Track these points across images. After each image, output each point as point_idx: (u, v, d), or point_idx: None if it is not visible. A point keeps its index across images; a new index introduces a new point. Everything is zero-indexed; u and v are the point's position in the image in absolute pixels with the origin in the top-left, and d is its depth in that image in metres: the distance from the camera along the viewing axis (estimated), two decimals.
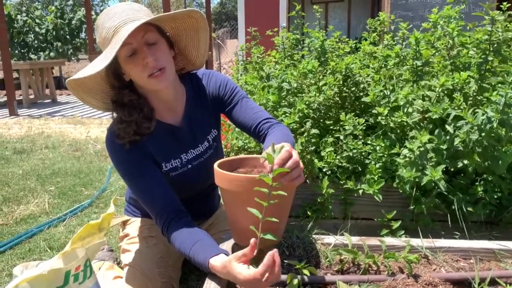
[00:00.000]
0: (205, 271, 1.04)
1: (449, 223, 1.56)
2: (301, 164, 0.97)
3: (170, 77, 1.21)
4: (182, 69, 1.38)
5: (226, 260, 0.96)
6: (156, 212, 1.20)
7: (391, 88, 1.74)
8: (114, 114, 1.25)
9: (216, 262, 0.99)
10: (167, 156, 1.31)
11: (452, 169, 1.57)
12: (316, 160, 1.70)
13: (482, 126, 1.43)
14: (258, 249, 0.93)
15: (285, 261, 1.10)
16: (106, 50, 1.14)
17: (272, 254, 0.88)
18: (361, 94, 1.86)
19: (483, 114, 1.43)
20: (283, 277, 1.00)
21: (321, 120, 1.84)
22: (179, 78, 1.34)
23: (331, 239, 1.20)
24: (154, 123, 1.26)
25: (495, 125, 1.39)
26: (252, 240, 0.91)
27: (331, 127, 1.82)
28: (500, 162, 1.46)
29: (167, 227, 1.16)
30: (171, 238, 1.14)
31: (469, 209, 1.53)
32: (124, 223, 1.58)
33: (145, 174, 1.23)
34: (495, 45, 1.57)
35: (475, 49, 1.64)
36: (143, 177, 1.23)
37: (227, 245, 1.15)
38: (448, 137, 1.51)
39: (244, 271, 0.90)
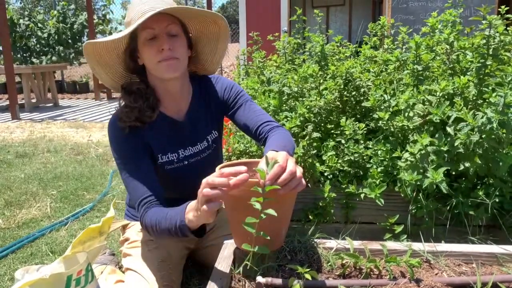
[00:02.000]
0: (181, 225, 1.04)
1: (451, 227, 1.55)
2: (299, 173, 0.95)
3: (180, 69, 1.25)
4: (194, 72, 1.42)
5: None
6: (139, 200, 1.21)
7: (391, 92, 1.75)
8: (121, 101, 1.29)
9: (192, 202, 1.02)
10: (164, 148, 1.34)
11: (453, 173, 1.57)
12: (317, 164, 1.70)
13: (482, 127, 1.43)
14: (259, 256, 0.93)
15: (287, 265, 1.10)
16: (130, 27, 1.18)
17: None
18: (362, 98, 1.86)
19: (483, 116, 1.43)
20: (285, 281, 1.00)
21: (322, 124, 1.84)
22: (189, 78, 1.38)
23: (332, 243, 1.20)
24: (157, 113, 1.29)
25: (495, 125, 1.40)
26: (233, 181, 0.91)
27: (333, 131, 1.82)
28: (501, 164, 1.46)
29: (145, 212, 1.18)
30: (147, 218, 1.16)
31: (471, 213, 1.53)
32: (124, 227, 1.58)
33: (137, 161, 1.26)
34: (493, 49, 1.58)
35: (472, 53, 1.65)
36: (134, 164, 1.25)
37: (229, 249, 1.15)
38: (449, 140, 1.51)
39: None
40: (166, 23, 1.19)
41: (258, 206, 0.90)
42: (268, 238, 0.92)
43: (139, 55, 1.26)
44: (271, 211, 0.90)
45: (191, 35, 1.31)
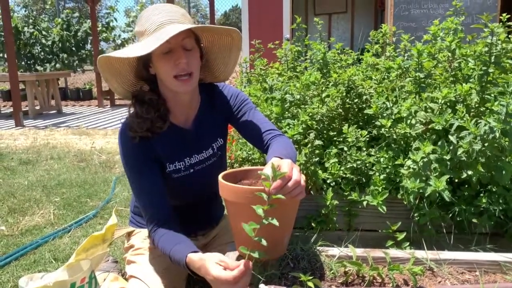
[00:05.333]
0: (181, 267, 1.09)
1: (454, 234, 1.55)
2: (303, 181, 0.99)
3: (194, 84, 1.27)
4: (201, 79, 1.42)
5: (204, 255, 1.03)
6: (149, 214, 1.26)
7: (394, 99, 1.75)
8: (131, 109, 1.30)
9: (195, 256, 1.05)
10: (172, 157, 1.35)
11: (456, 180, 1.57)
12: (320, 172, 1.70)
13: (485, 136, 1.43)
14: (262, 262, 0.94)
15: (290, 273, 1.10)
16: (146, 40, 1.18)
17: (248, 262, 0.94)
18: (364, 105, 1.87)
19: (485, 124, 1.44)
20: None
21: (325, 132, 1.85)
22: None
23: (335, 251, 1.20)
24: (167, 124, 1.31)
25: (497, 135, 1.40)
26: (243, 263, 0.94)
27: (335, 139, 1.82)
28: (504, 172, 1.46)
29: (155, 230, 1.23)
30: (156, 238, 1.21)
31: (474, 220, 1.52)
32: (129, 234, 1.58)
33: (146, 174, 1.28)
34: (495, 57, 1.58)
35: (474, 61, 1.65)
36: (144, 177, 1.28)
37: (232, 256, 1.15)
38: (451, 148, 1.51)
39: (218, 271, 0.96)
40: (182, 37, 1.19)
41: (260, 212, 0.91)
42: (269, 246, 0.93)
43: (151, 65, 1.26)
44: (273, 221, 0.91)
45: (202, 45, 1.33)
